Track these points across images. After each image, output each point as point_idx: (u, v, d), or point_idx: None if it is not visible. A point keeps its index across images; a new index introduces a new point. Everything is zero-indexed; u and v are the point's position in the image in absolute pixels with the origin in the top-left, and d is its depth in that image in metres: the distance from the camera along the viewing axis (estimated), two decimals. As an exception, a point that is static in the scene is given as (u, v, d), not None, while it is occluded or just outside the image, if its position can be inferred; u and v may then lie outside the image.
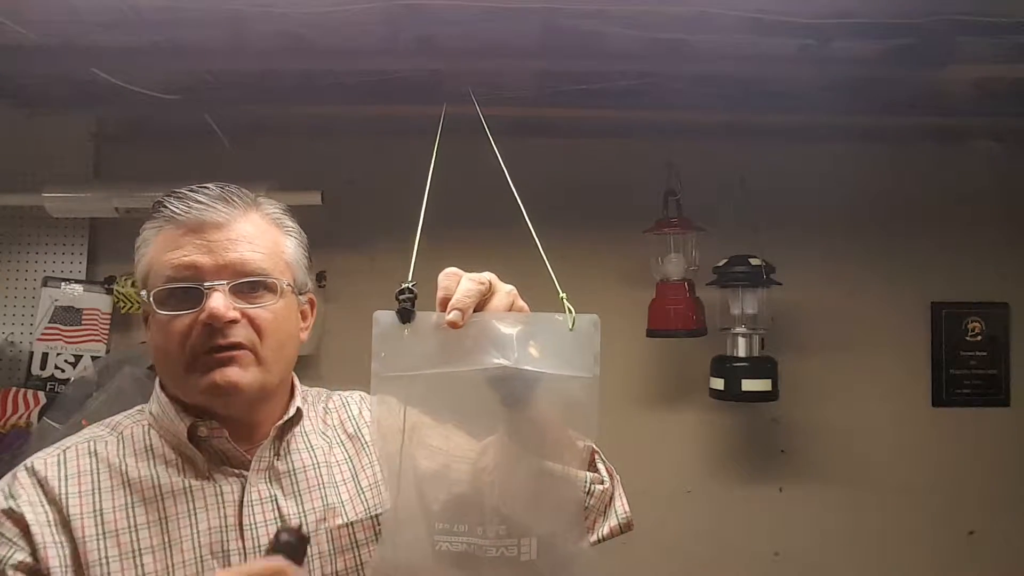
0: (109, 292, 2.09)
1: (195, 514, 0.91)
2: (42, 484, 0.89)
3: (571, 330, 0.76)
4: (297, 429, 1.01)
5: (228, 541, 0.91)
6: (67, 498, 0.88)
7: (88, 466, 0.91)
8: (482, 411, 0.79)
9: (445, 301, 0.75)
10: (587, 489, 0.96)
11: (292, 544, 0.81)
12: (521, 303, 0.79)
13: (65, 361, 2.05)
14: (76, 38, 1.58)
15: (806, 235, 2.10)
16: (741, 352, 1.96)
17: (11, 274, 2.11)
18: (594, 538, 0.97)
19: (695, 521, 2.13)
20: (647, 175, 2.04)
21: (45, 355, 2.05)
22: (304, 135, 2.12)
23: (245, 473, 0.94)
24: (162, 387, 0.98)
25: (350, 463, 1.02)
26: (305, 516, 0.95)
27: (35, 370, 2.05)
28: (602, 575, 0.87)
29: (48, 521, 0.86)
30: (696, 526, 2.12)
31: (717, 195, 2.07)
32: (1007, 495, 2.15)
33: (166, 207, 0.93)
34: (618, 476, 1.01)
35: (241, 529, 0.92)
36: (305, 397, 1.05)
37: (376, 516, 0.98)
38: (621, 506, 1.00)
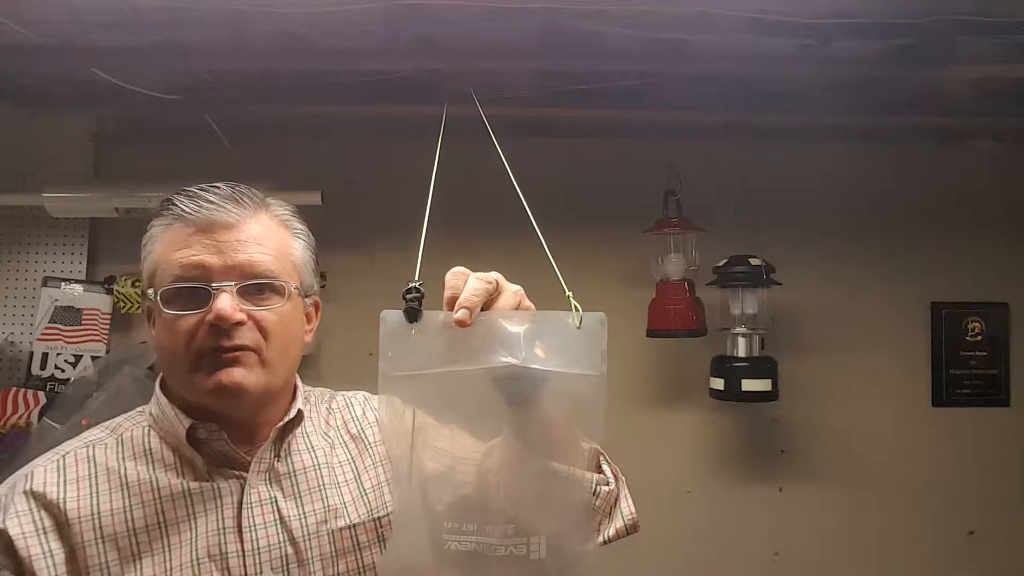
0: (109, 292, 2.08)
1: (194, 517, 0.90)
2: (36, 494, 0.87)
3: (578, 328, 0.76)
4: (298, 430, 1.01)
5: (226, 544, 0.90)
6: (65, 503, 0.87)
7: (86, 471, 0.90)
8: (488, 411, 0.78)
9: (452, 300, 0.74)
10: (593, 491, 0.96)
11: None
12: (528, 303, 0.79)
13: (65, 361, 2.05)
14: (76, 38, 1.57)
15: (806, 235, 2.10)
16: (741, 352, 1.96)
17: (11, 274, 2.11)
18: (600, 539, 0.96)
19: (695, 521, 2.13)
20: (647, 175, 2.04)
21: (45, 355, 2.04)
22: (304, 135, 2.11)
23: (245, 475, 0.94)
24: (162, 388, 0.97)
25: (353, 464, 1.02)
26: (305, 518, 0.94)
27: (35, 370, 2.04)
28: (608, 576, 0.87)
29: (37, 530, 0.85)
30: (696, 526, 2.12)
31: (717, 195, 2.07)
32: (1007, 495, 2.15)
33: (176, 205, 0.92)
34: (623, 477, 1.01)
35: (240, 531, 0.91)
36: (307, 398, 1.05)
37: (379, 518, 0.98)
38: (627, 507, 1.00)
